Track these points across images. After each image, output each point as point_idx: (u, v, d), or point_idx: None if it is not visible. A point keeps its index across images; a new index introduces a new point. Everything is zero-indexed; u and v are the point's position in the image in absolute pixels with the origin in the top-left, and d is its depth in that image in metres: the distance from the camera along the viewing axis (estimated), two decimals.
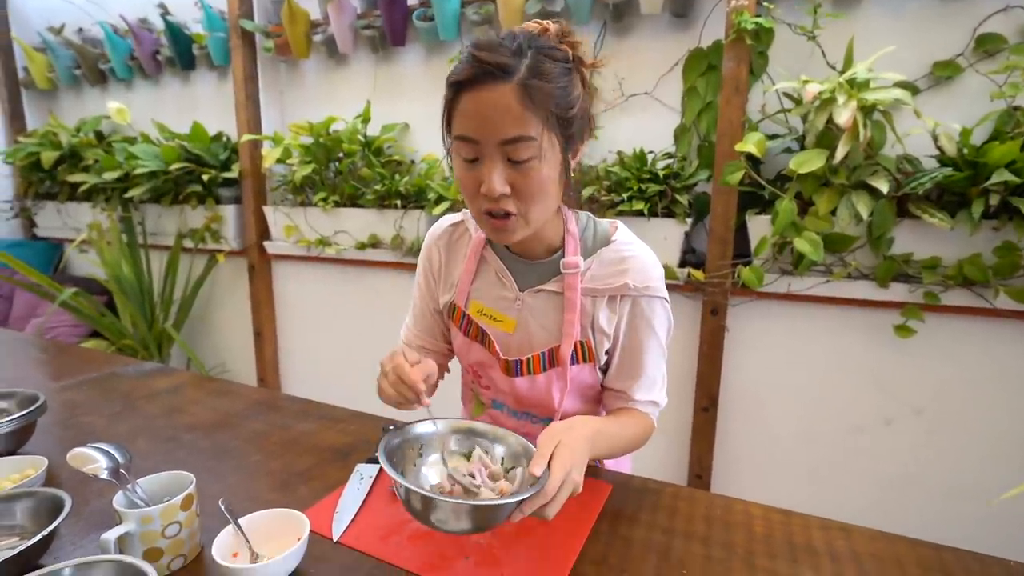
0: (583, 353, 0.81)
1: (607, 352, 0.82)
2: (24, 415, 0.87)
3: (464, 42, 1.92)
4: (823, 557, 0.67)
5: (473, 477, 0.66)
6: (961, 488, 1.48)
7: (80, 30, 2.74)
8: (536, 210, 0.71)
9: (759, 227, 1.51)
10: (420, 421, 0.71)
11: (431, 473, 0.68)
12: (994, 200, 1.23)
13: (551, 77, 0.66)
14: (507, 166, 0.68)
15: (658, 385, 0.84)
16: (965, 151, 1.28)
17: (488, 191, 0.68)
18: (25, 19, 2.99)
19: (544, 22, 0.71)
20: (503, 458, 0.70)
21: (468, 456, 0.71)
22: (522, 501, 0.57)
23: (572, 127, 0.70)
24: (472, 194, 0.71)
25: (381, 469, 0.85)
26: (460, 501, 0.57)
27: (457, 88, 0.68)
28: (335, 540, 0.69)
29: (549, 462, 0.60)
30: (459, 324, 0.87)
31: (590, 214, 0.85)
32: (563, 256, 0.80)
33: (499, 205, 0.69)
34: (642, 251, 0.80)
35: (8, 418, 0.85)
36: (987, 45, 1.34)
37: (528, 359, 0.82)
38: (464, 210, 0.90)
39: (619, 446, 0.79)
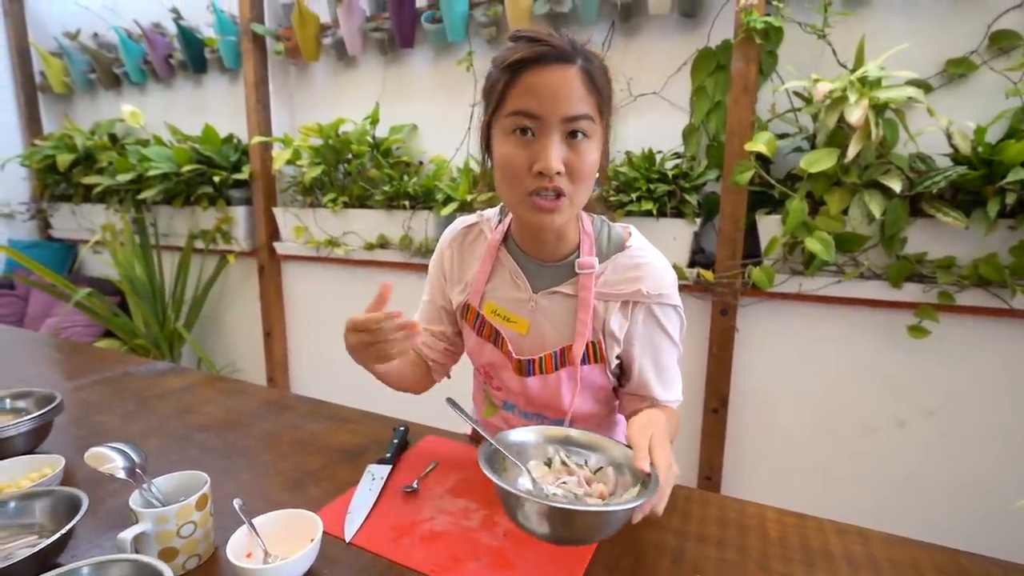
0: (594, 354, 0.81)
1: (617, 357, 0.82)
2: (42, 414, 0.88)
3: (472, 44, 1.92)
4: (840, 562, 0.66)
5: (566, 484, 0.65)
6: (975, 491, 1.46)
7: (95, 35, 2.78)
8: (581, 193, 0.72)
9: (769, 227, 1.50)
10: (515, 430, 0.71)
11: (524, 483, 0.66)
12: (1010, 199, 1.21)
13: (601, 71, 0.71)
14: (564, 144, 0.69)
15: (676, 383, 0.85)
16: (980, 149, 1.26)
17: (545, 167, 0.68)
18: (42, 25, 3.04)
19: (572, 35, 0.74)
20: (586, 462, 0.69)
21: (549, 464, 0.69)
22: (642, 503, 0.57)
23: (610, 119, 0.74)
24: (520, 174, 0.70)
25: (392, 470, 0.85)
26: (597, 509, 0.56)
27: (517, 67, 0.68)
28: (347, 541, 0.69)
29: (651, 456, 0.61)
30: (472, 324, 0.87)
31: (604, 218, 0.85)
32: (578, 256, 0.80)
33: (553, 184, 0.69)
34: (656, 258, 0.80)
35: (26, 417, 0.87)
36: (1002, 42, 1.32)
37: (540, 358, 0.82)
38: (479, 212, 0.91)
39: (673, 437, 0.80)
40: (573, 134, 0.69)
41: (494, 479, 0.57)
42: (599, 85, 0.69)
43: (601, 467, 0.68)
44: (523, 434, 0.71)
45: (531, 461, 0.69)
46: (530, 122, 0.68)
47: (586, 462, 0.69)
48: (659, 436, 0.64)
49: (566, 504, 0.55)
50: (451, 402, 0.71)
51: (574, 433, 0.72)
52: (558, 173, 0.68)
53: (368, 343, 0.70)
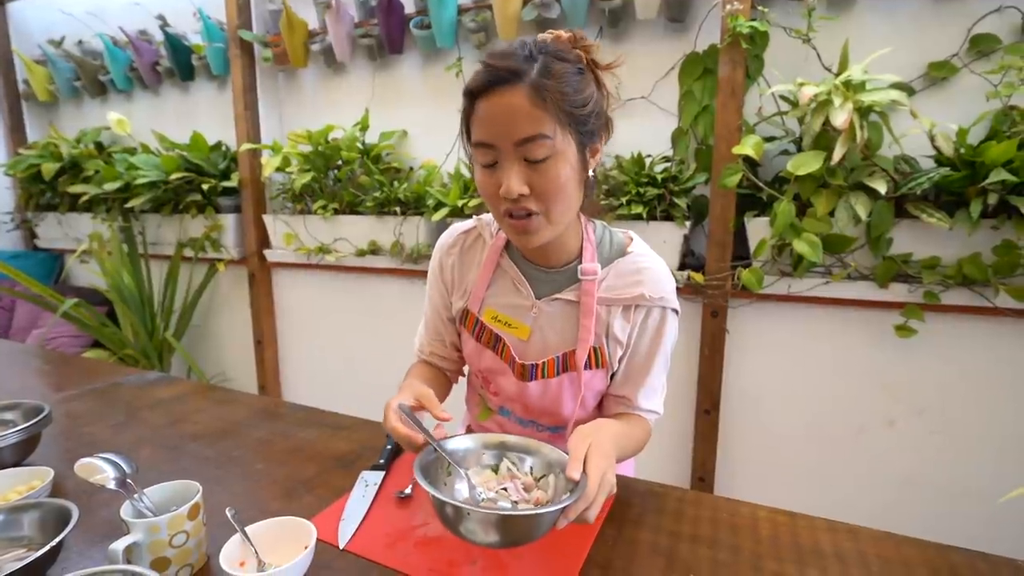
0: (596, 359, 0.81)
1: (619, 360, 0.83)
2: (30, 426, 0.87)
3: (460, 49, 1.93)
4: (830, 559, 0.67)
5: (506, 490, 0.65)
6: (965, 488, 1.48)
7: (80, 42, 2.75)
8: (557, 209, 0.72)
9: (758, 229, 1.52)
10: (451, 437, 0.71)
11: (462, 489, 0.67)
12: (992, 199, 1.24)
13: (561, 76, 0.68)
14: (524, 166, 0.69)
15: (659, 395, 0.85)
16: (962, 151, 1.29)
17: (506, 192, 0.69)
18: (26, 32, 3.01)
19: (556, 31, 0.73)
20: (531, 468, 0.69)
21: (495, 469, 0.70)
22: (566, 508, 0.57)
23: (587, 125, 0.71)
24: (493, 198, 0.72)
25: (385, 476, 0.85)
26: (508, 512, 0.57)
27: (472, 97, 0.70)
28: (341, 548, 0.69)
29: (584, 465, 0.61)
30: (471, 330, 0.87)
31: (605, 224, 0.86)
32: (580, 262, 0.81)
33: (519, 205, 0.70)
34: (657, 263, 0.81)
35: (14, 429, 0.85)
36: (981, 45, 1.35)
37: (543, 363, 0.82)
38: (476, 216, 0.91)
39: (630, 449, 0.80)
40: (532, 158, 0.68)
41: (422, 483, 0.58)
42: (553, 97, 0.66)
43: (544, 475, 0.68)
44: (462, 441, 0.71)
45: (471, 468, 0.69)
46: (489, 152, 0.70)
47: (531, 469, 0.69)
48: (598, 445, 0.63)
49: (468, 506, 0.56)
50: (404, 409, 0.70)
51: (510, 439, 0.72)
52: (523, 195, 0.69)
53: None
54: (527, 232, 0.72)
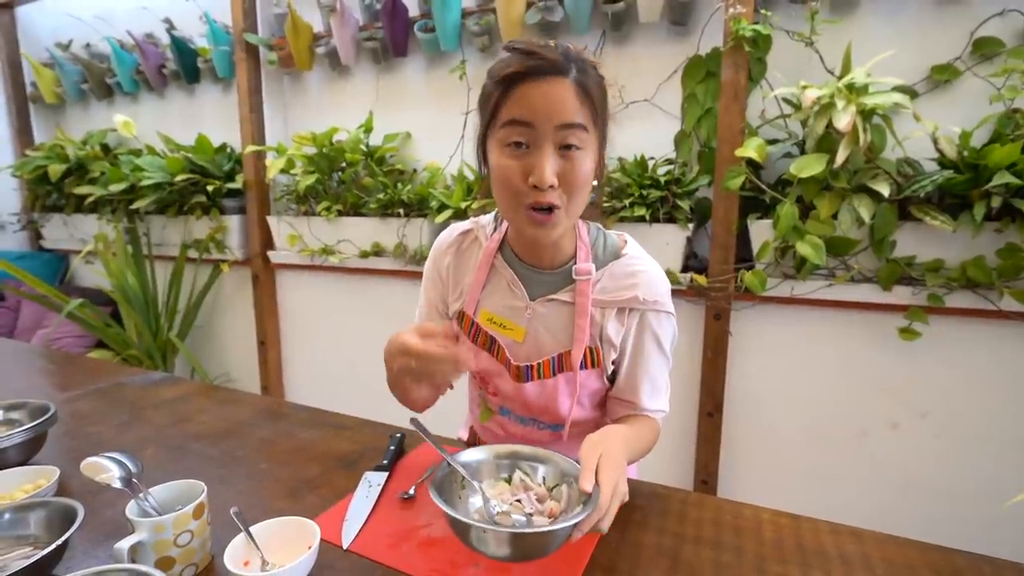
0: (591, 359, 0.82)
1: (613, 362, 0.83)
2: (36, 425, 0.87)
3: (464, 52, 1.94)
4: (834, 561, 0.67)
5: (520, 502, 0.66)
6: (968, 492, 1.48)
7: (87, 45, 2.78)
8: (576, 204, 0.73)
9: (761, 231, 1.52)
10: (466, 450, 0.71)
11: (476, 501, 0.67)
12: (996, 202, 1.24)
13: (596, 82, 0.71)
14: (557, 155, 0.70)
15: (663, 393, 0.86)
16: (965, 154, 1.29)
17: (539, 180, 0.68)
18: (34, 35, 3.04)
19: (573, 46, 0.75)
20: (544, 478, 0.70)
21: (509, 480, 0.70)
22: (579, 522, 0.58)
23: (606, 131, 0.75)
24: (516, 187, 0.71)
25: (389, 477, 0.85)
26: (522, 531, 0.58)
27: (511, 81, 0.69)
28: (345, 548, 0.69)
29: (596, 475, 0.61)
30: (467, 332, 0.88)
31: (599, 226, 0.86)
32: (575, 263, 0.81)
33: (545, 197, 0.70)
34: (651, 266, 0.82)
35: (20, 428, 0.86)
36: (984, 48, 1.35)
37: (538, 364, 0.83)
38: (473, 218, 0.91)
39: (639, 451, 0.80)
40: (567, 146, 0.69)
41: (438, 502, 0.59)
42: (593, 96, 0.69)
43: (557, 484, 0.69)
44: (474, 454, 0.72)
45: (484, 480, 0.70)
46: (524, 131, 0.69)
47: (543, 479, 0.70)
48: (608, 455, 0.63)
49: (484, 524, 0.57)
50: (415, 422, 0.71)
51: (522, 449, 0.72)
52: (551, 186, 0.69)
53: (412, 369, 0.68)
54: (546, 225, 0.72)
